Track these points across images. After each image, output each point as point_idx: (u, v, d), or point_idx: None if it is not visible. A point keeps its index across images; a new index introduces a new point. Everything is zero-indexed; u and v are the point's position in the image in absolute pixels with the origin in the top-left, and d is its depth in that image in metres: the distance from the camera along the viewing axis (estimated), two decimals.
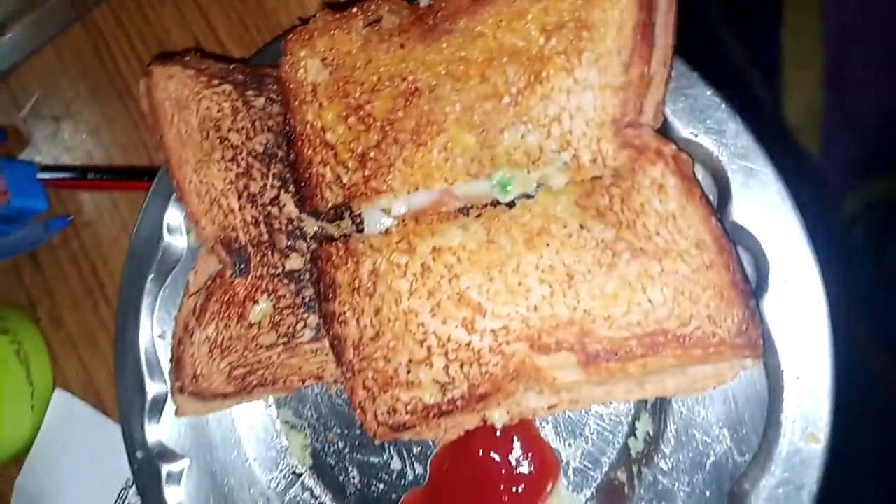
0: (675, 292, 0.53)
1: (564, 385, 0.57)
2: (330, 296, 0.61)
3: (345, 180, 0.61)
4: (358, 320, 0.60)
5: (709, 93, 0.58)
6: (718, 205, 0.58)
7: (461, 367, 0.58)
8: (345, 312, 0.61)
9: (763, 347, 0.52)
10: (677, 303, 0.53)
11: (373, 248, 0.61)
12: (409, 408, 0.59)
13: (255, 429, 0.75)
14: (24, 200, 0.86)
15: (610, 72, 0.54)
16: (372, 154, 0.60)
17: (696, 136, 0.58)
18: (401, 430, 0.59)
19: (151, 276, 0.74)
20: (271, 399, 0.76)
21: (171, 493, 0.72)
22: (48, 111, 0.89)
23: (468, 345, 0.58)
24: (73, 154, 0.88)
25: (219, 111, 0.66)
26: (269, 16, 0.79)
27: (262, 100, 0.66)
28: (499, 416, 0.59)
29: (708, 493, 0.59)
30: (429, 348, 0.58)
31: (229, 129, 0.66)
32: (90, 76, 0.87)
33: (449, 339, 0.58)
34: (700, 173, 0.59)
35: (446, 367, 0.58)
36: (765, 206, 0.56)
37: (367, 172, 0.60)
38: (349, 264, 0.61)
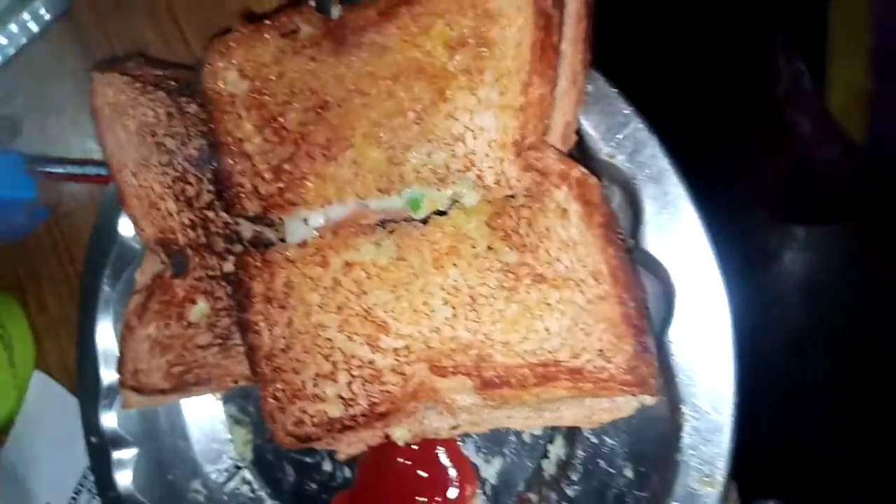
0: (570, 323, 0.52)
1: (463, 408, 0.56)
2: (245, 305, 0.62)
3: (262, 191, 0.61)
4: (271, 331, 0.61)
5: (626, 111, 0.55)
6: (632, 231, 0.56)
7: (363, 384, 0.58)
8: (259, 322, 0.61)
9: (658, 384, 0.50)
10: (571, 334, 0.52)
11: (288, 259, 0.61)
12: (314, 420, 0.59)
13: (201, 421, 0.78)
14: (11, 191, 0.90)
15: (510, 92, 0.52)
16: (286, 166, 0.60)
17: (612, 157, 0.56)
18: (307, 440, 0.60)
19: (107, 271, 0.77)
20: (219, 393, 0.78)
21: (120, 477, 0.76)
22: (38, 103, 0.93)
23: (371, 363, 0.57)
24: (55, 147, 0.91)
25: (154, 117, 0.67)
26: (233, 18, 0.80)
27: (194, 106, 0.67)
28: (400, 434, 0.59)
29: None
30: (334, 363, 0.58)
31: (164, 135, 0.67)
32: (75, 71, 0.90)
33: (353, 356, 0.58)
34: (618, 197, 0.57)
35: (349, 384, 0.58)
36: (676, 233, 0.53)
37: (281, 184, 0.60)
38: (265, 275, 0.61)
